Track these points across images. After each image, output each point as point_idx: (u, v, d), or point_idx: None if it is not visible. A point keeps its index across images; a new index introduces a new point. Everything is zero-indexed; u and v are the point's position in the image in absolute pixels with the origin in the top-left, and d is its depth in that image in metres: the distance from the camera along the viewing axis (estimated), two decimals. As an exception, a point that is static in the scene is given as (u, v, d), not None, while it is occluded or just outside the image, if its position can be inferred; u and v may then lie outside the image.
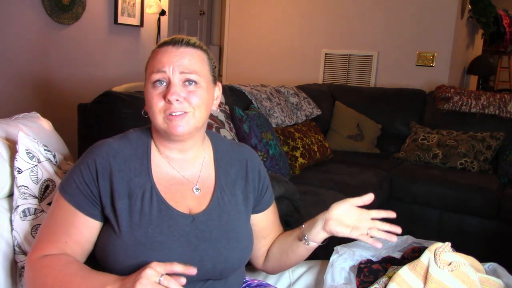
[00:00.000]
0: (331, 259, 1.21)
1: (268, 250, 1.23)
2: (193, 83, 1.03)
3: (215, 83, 1.11)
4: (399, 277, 1.03)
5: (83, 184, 1.01)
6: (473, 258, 1.07)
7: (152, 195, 1.03)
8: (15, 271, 1.21)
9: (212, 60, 1.10)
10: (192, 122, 1.03)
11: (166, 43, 1.05)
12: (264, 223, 1.19)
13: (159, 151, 1.09)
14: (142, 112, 1.08)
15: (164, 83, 1.02)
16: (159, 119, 1.02)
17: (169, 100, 0.99)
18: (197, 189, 1.09)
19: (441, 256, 1.02)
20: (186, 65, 1.02)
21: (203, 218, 1.06)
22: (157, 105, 1.01)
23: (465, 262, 1.02)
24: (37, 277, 0.97)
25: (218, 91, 1.13)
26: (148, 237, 0.98)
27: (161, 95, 1.01)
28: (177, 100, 1.00)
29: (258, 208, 1.19)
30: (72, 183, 1.02)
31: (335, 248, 1.24)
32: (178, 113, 1.00)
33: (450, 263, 1.01)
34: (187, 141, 1.07)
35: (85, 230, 1.01)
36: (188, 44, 1.05)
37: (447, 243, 1.05)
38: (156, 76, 1.01)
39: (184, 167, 1.10)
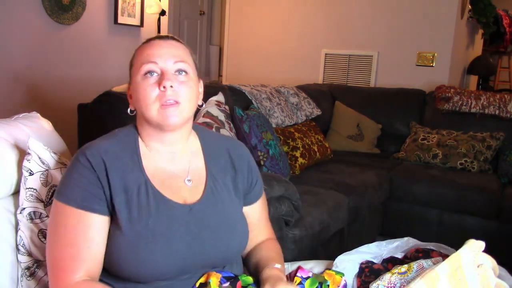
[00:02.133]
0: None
1: (249, 254, 1.22)
2: (184, 73, 1.06)
3: (198, 79, 1.13)
4: (436, 277, 0.97)
5: (88, 185, 1.00)
6: (493, 259, 1.05)
7: (148, 188, 1.03)
8: (16, 271, 1.21)
9: (194, 56, 1.13)
10: (185, 113, 1.05)
11: (151, 39, 1.09)
12: (250, 218, 1.19)
13: (147, 147, 1.09)
14: (128, 111, 1.10)
15: (156, 74, 1.03)
16: (152, 110, 1.02)
17: (164, 87, 1.01)
18: (189, 180, 1.10)
19: (477, 257, 1.00)
20: (176, 54, 1.06)
21: (200, 207, 1.07)
22: (150, 95, 1.02)
23: (491, 265, 1.01)
24: None
25: (201, 87, 1.15)
26: (149, 229, 0.99)
27: (154, 85, 1.02)
28: (171, 86, 1.02)
29: (246, 200, 1.20)
30: (75, 188, 1.00)
31: (334, 263, 1.22)
32: (171, 101, 1.02)
33: (479, 266, 0.99)
34: (177, 132, 1.08)
35: (103, 228, 1.00)
36: (173, 38, 1.09)
37: (482, 242, 1.02)
38: (148, 67, 1.03)
39: (173, 161, 1.10)
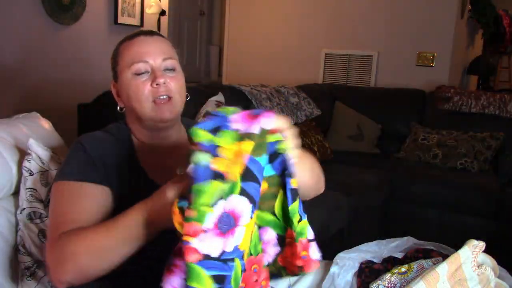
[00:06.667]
0: (331, 270, 1.17)
1: None
2: (172, 70, 1.06)
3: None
4: (436, 277, 0.97)
5: (84, 162, 0.99)
6: (493, 259, 1.05)
7: (144, 179, 1.04)
8: (16, 271, 1.21)
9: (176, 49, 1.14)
10: (177, 107, 1.06)
11: (135, 35, 1.07)
12: None
13: (139, 141, 1.10)
14: (118, 109, 1.10)
15: (147, 73, 1.03)
16: (146, 108, 1.03)
17: (157, 84, 1.01)
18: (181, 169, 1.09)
19: (477, 258, 0.99)
20: (164, 50, 1.06)
21: None
22: (143, 92, 1.02)
23: (491, 265, 1.01)
24: (62, 252, 0.86)
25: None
26: None
27: (146, 81, 1.03)
28: (164, 83, 1.02)
29: None
30: (74, 165, 0.99)
31: (334, 260, 1.21)
32: (164, 98, 1.03)
33: (479, 266, 0.99)
34: (170, 127, 1.09)
35: (95, 198, 0.96)
36: (157, 34, 1.10)
37: (482, 242, 1.02)
38: (139, 66, 1.03)
39: (164, 153, 1.10)
